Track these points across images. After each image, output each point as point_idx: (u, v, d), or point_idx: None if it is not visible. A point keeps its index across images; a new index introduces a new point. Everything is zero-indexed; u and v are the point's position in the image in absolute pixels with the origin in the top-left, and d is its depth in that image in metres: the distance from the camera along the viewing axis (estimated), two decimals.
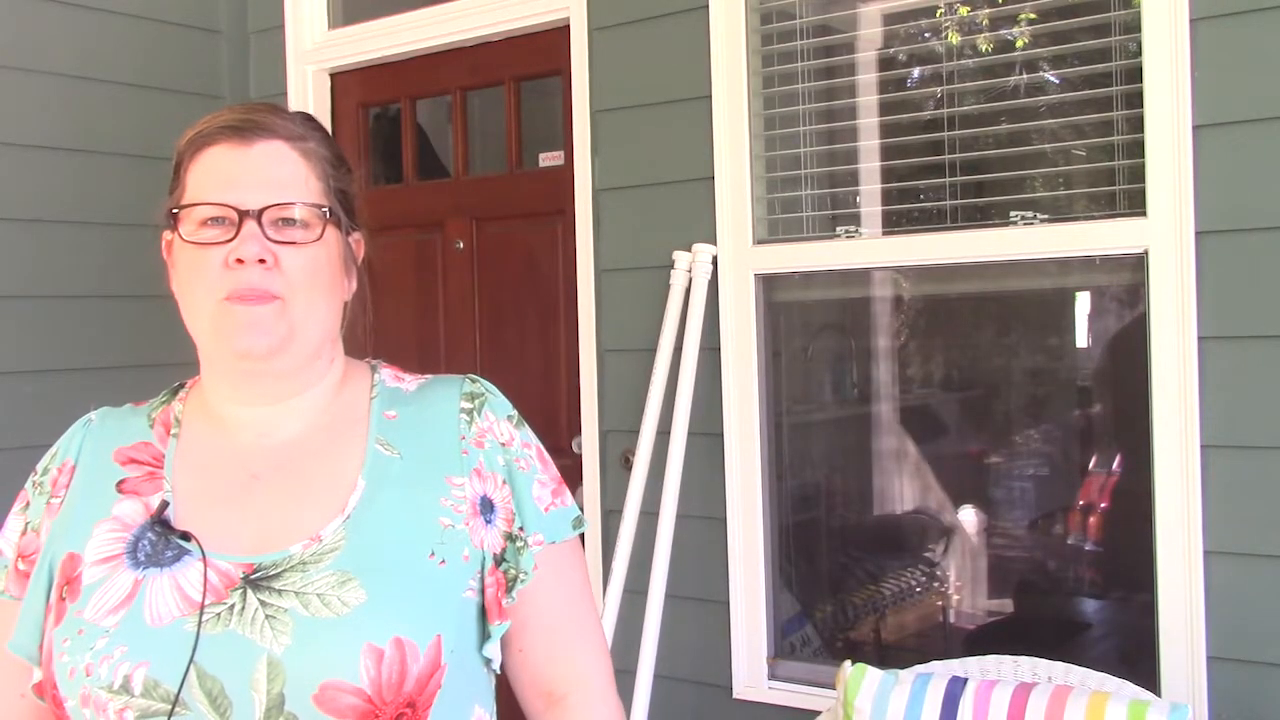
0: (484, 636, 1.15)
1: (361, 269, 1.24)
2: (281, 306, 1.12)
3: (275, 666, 1.04)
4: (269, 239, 1.12)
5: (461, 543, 1.14)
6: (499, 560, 1.16)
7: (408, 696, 1.06)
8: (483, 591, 1.15)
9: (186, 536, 1.11)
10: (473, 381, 1.23)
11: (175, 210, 1.15)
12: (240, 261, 1.10)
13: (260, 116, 1.17)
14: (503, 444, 1.20)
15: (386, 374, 1.26)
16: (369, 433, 1.18)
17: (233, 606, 1.07)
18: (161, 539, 1.12)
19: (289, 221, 1.13)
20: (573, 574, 1.23)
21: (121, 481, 1.18)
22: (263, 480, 1.16)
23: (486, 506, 1.17)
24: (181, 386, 1.26)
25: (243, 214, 1.11)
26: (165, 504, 1.14)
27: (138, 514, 1.15)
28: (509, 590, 1.16)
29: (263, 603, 1.07)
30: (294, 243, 1.13)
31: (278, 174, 1.14)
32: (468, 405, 1.20)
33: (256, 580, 1.08)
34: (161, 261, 1.21)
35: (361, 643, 1.04)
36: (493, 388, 1.24)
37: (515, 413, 1.24)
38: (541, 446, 1.24)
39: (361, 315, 1.26)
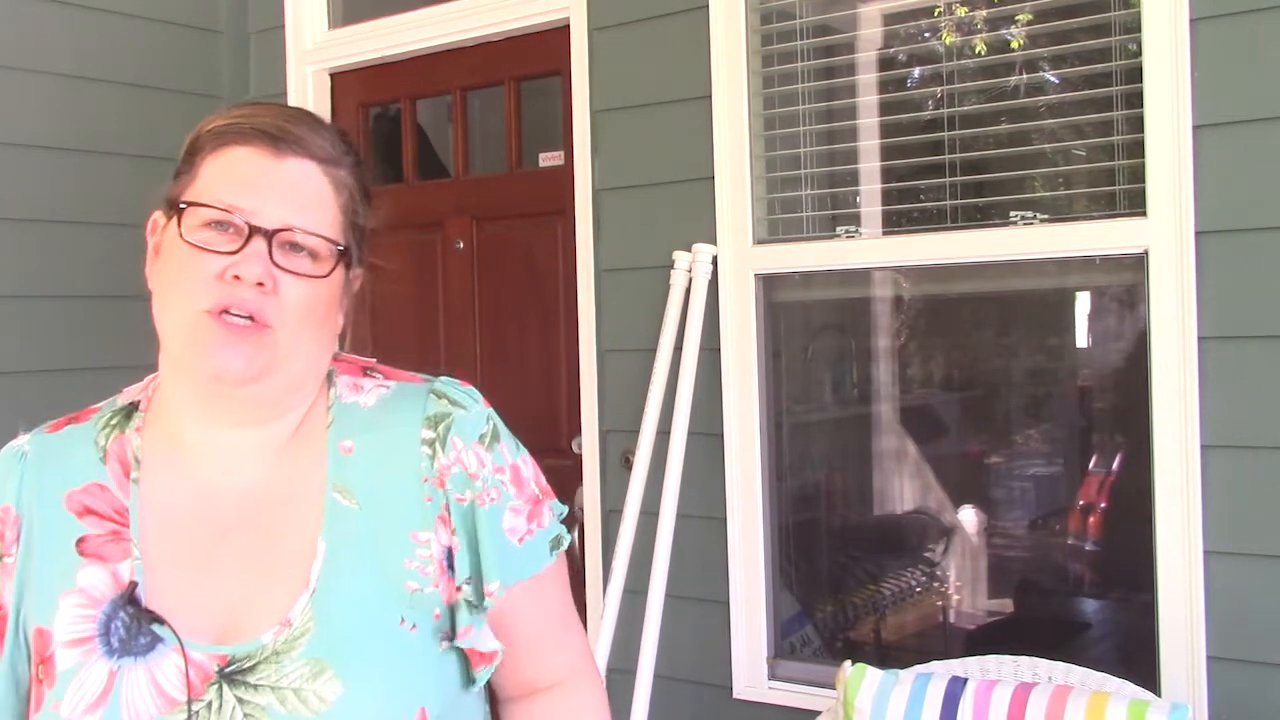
0: (469, 679, 1.12)
1: (355, 306, 1.16)
2: (269, 336, 1.04)
3: None
4: (274, 263, 1.04)
5: (432, 604, 1.08)
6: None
7: None
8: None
9: (159, 620, 1.05)
10: (438, 397, 1.12)
11: (183, 205, 1.06)
12: (237, 279, 1.02)
13: (299, 130, 1.09)
14: (470, 475, 1.10)
15: (343, 385, 1.14)
16: (326, 476, 1.09)
17: (210, 704, 1.03)
18: (134, 621, 1.06)
19: (298, 249, 1.06)
20: (554, 593, 1.18)
21: (81, 540, 1.09)
22: (229, 535, 1.09)
23: (450, 559, 1.10)
24: (135, 408, 1.15)
25: (254, 229, 1.03)
26: (134, 584, 1.07)
27: (106, 586, 1.07)
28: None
29: (240, 700, 1.03)
30: (299, 273, 1.05)
31: (302, 194, 1.07)
32: (430, 435, 1.10)
33: (231, 674, 1.04)
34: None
35: None
36: (463, 397, 1.13)
37: (489, 426, 1.13)
38: (520, 461, 1.15)
39: (352, 349, 1.19)
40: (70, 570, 1.08)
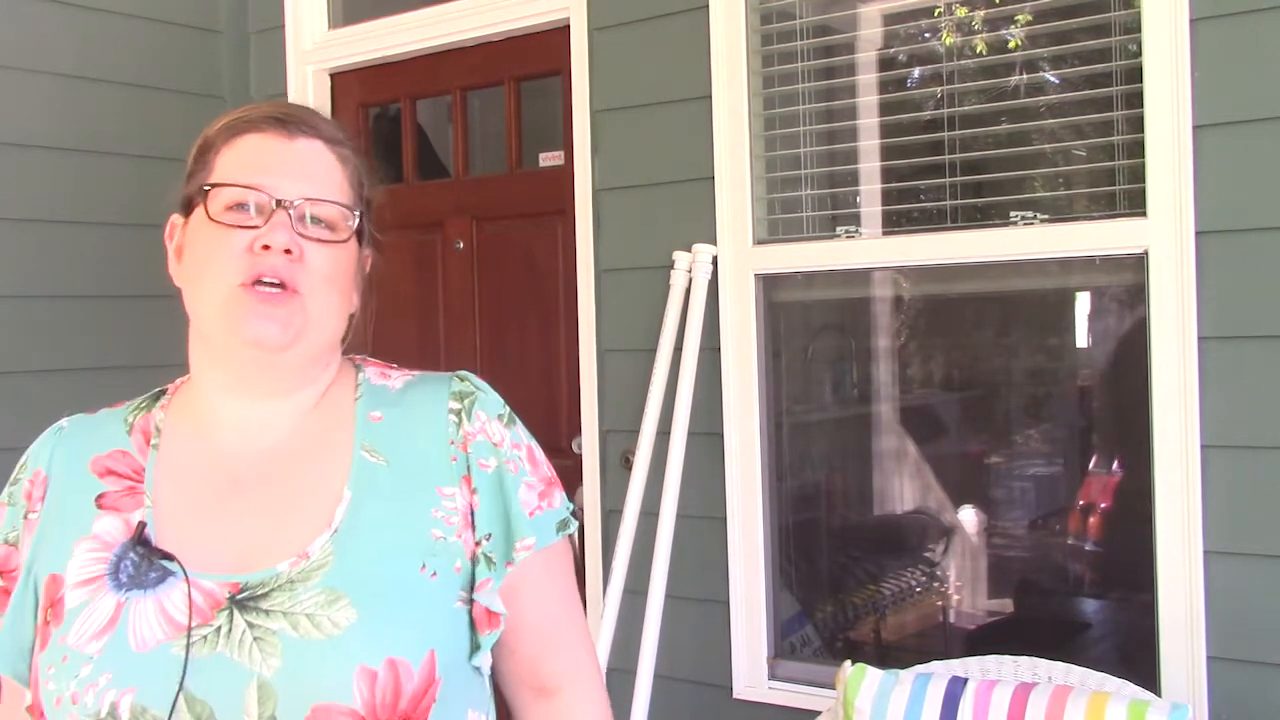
0: (475, 646, 1.14)
1: (366, 288, 1.22)
2: (300, 301, 1.10)
3: (266, 689, 1.02)
4: (297, 232, 1.11)
5: (454, 554, 1.12)
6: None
7: (403, 714, 1.04)
8: (471, 602, 1.13)
9: (169, 557, 1.08)
10: (461, 380, 1.20)
11: (206, 188, 1.13)
12: (266, 248, 1.09)
13: (304, 114, 1.18)
14: (494, 444, 1.17)
15: (371, 372, 1.23)
16: (354, 438, 1.15)
17: (219, 628, 1.05)
18: (144, 559, 1.09)
19: (317, 219, 1.13)
20: (561, 575, 1.21)
21: (101, 496, 1.15)
22: (246, 489, 1.13)
23: (472, 516, 1.14)
24: (164, 393, 1.23)
25: (277, 202, 1.11)
26: (144, 524, 1.11)
27: (119, 531, 1.12)
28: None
29: (250, 624, 1.05)
30: (320, 240, 1.12)
31: (314, 170, 1.14)
32: (456, 406, 1.17)
33: (243, 600, 1.06)
34: (161, 258, 1.19)
35: (354, 665, 1.03)
36: (483, 385, 1.21)
37: (506, 410, 1.21)
38: (534, 445, 1.22)
39: (363, 333, 1.24)
40: (87, 521, 1.13)
